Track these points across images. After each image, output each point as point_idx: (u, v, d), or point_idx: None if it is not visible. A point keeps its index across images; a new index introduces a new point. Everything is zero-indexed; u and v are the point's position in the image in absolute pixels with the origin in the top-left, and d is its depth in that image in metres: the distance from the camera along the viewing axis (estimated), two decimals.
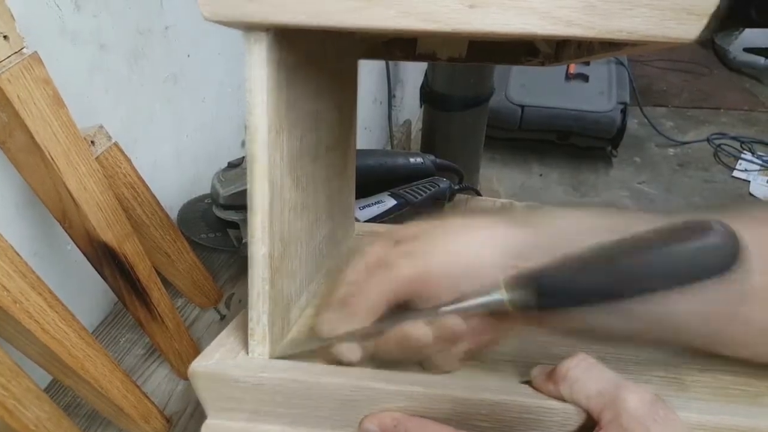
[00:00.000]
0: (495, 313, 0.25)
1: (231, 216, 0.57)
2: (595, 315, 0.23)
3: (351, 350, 0.27)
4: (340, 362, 0.27)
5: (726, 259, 0.21)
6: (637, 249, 0.22)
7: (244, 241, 0.56)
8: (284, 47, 0.24)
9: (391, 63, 1.37)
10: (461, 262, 0.26)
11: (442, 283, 0.26)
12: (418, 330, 0.25)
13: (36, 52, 0.36)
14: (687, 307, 0.22)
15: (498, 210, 0.28)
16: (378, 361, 0.27)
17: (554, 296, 0.23)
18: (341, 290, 0.28)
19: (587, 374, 0.23)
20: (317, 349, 0.27)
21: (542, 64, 0.41)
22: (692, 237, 0.21)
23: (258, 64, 0.23)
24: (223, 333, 0.30)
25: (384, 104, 1.43)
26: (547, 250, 0.24)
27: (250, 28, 0.22)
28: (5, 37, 0.34)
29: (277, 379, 0.26)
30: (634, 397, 0.22)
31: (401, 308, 0.27)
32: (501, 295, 0.24)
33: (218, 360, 0.27)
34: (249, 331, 0.27)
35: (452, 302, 0.25)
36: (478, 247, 0.26)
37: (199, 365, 0.27)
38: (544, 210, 0.27)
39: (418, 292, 0.26)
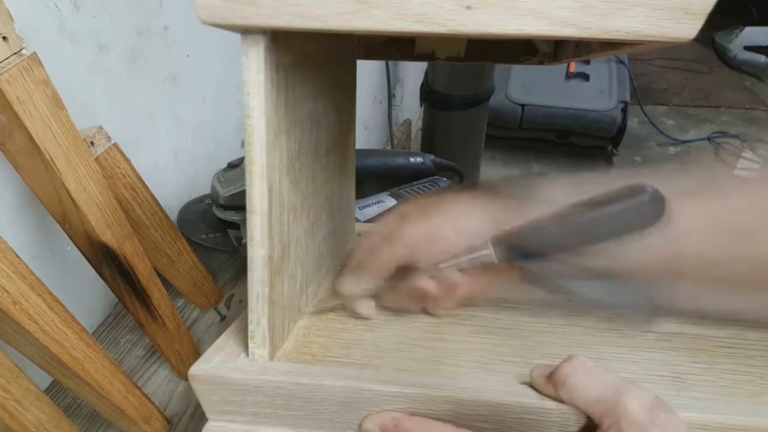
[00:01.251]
0: (485, 266, 0.30)
1: (231, 216, 0.57)
2: (558, 265, 0.29)
3: (367, 306, 0.33)
4: (358, 316, 0.33)
5: (653, 213, 0.27)
6: (586, 209, 0.28)
7: (244, 241, 0.56)
8: (281, 49, 0.24)
9: (390, 62, 1.37)
10: (455, 227, 0.31)
11: (440, 245, 0.31)
12: (424, 282, 0.31)
13: (35, 52, 0.36)
14: (630, 254, 0.27)
15: (485, 186, 0.33)
16: (390, 310, 0.33)
17: (528, 250, 0.29)
18: (357, 256, 0.33)
19: (586, 380, 0.24)
20: (338, 305, 0.33)
21: (541, 62, 0.41)
22: (628, 197, 0.27)
23: (255, 67, 0.23)
24: (223, 336, 0.30)
25: (384, 104, 1.43)
26: (524, 214, 0.29)
27: (246, 31, 0.22)
28: (4, 38, 0.34)
29: (278, 381, 0.26)
30: (634, 402, 0.22)
31: (406, 270, 0.32)
32: (489, 251, 0.30)
33: (218, 363, 0.27)
34: (249, 334, 0.27)
35: (449, 260, 0.31)
36: (469, 214, 0.32)
37: (198, 369, 0.27)
38: (522, 182, 0.33)
39: (421, 254, 0.31)
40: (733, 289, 0.29)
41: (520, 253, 0.29)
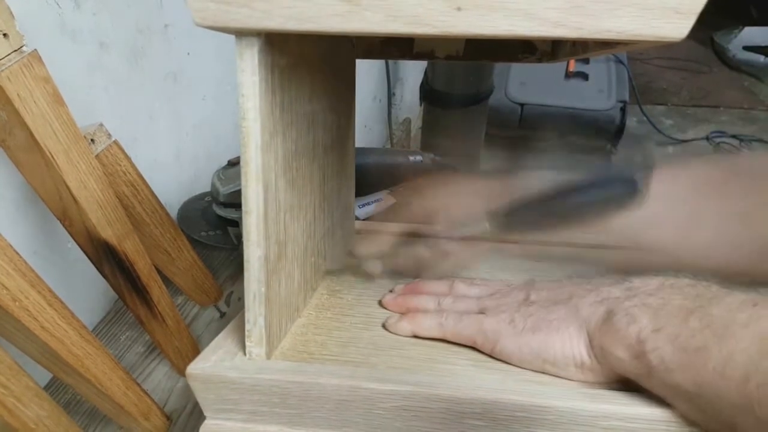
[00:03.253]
0: (479, 237, 0.34)
1: (231, 214, 0.57)
2: (542, 236, 0.33)
3: (375, 265, 0.38)
4: (369, 275, 0.38)
5: (627, 195, 0.30)
6: (567, 189, 0.31)
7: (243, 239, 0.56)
8: (276, 50, 0.24)
9: (390, 61, 1.37)
10: (455, 204, 0.36)
11: (440, 218, 0.36)
12: (422, 250, 0.37)
13: (36, 50, 0.36)
14: (603, 231, 0.31)
15: (482, 171, 0.39)
16: (393, 271, 0.39)
17: (516, 223, 0.33)
18: (368, 226, 0.40)
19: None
20: (352, 265, 0.39)
21: (540, 60, 0.41)
22: (606, 179, 0.30)
23: (250, 69, 0.23)
24: (221, 335, 0.30)
25: (383, 102, 1.43)
26: (514, 192, 0.33)
27: (240, 33, 0.22)
28: (5, 35, 0.34)
29: (275, 380, 0.26)
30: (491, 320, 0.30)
31: (411, 238, 0.37)
32: (484, 224, 0.34)
33: (215, 362, 0.27)
34: (246, 333, 0.28)
35: (449, 231, 0.35)
36: (467, 193, 0.37)
37: (196, 367, 0.27)
38: (517, 170, 0.37)
39: (424, 225, 0.36)
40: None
41: (508, 225, 0.33)
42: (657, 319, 0.24)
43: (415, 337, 0.32)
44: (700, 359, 0.22)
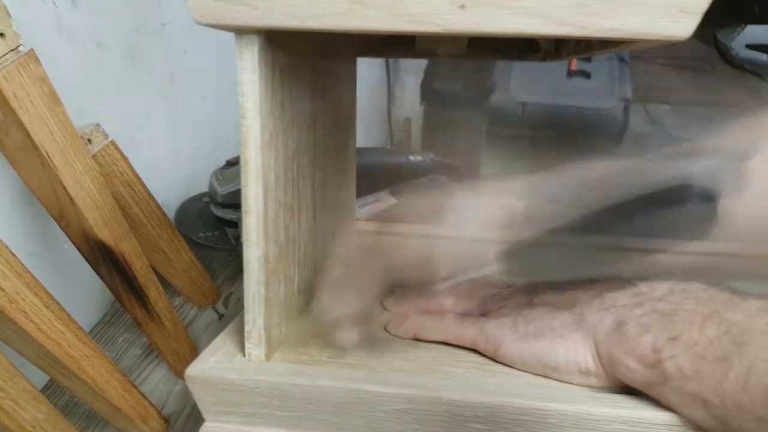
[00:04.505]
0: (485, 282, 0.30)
1: (229, 214, 0.57)
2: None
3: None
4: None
5: (704, 217, 0.22)
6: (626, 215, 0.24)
7: (242, 239, 0.56)
8: (277, 49, 0.24)
9: (391, 60, 1.37)
10: (461, 216, 0.31)
11: (441, 262, 0.31)
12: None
13: (32, 49, 0.35)
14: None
15: (488, 182, 0.32)
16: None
17: (531, 264, 0.27)
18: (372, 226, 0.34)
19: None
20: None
21: (543, 59, 0.41)
22: (674, 198, 0.23)
23: (250, 68, 0.23)
24: (220, 336, 0.30)
25: (384, 102, 1.43)
26: (532, 221, 0.28)
27: (240, 31, 0.22)
28: (1, 34, 0.34)
29: (274, 382, 0.26)
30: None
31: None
32: (492, 267, 0.29)
33: (214, 364, 0.27)
34: (245, 335, 0.27)
35: (452, 277, 0.31)
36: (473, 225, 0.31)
37: (195, 369, 0.27)
38: (522, 178, 0.30)
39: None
40: None
41: (525, 270, 0.27)
42: (671, 327, 0.24)
43: (417, 339, 0.31)
44: (720, 369, 0.21)
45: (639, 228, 0.24)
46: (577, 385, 0.27)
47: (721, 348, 0.22)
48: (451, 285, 0.33)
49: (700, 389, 0.22)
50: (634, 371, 0.24)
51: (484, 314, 0.31)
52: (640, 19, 0.19)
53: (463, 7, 0.20)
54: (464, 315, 0.31)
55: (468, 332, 0.30)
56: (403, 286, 0.36)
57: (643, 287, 0.27)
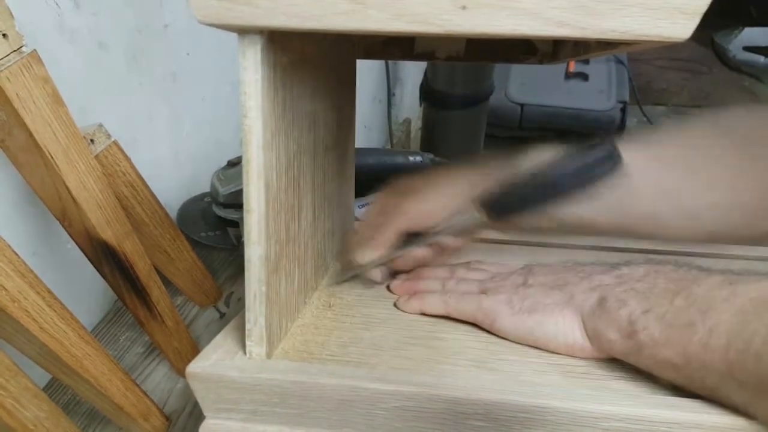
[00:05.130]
0: (475, 226, 0.34)
1: (230, 214, 0.57)
2: (533, 217, 0.31)
3: (376, 273, 0.37)
4: (371, 283, 0.38)
5: (609, 166, 0.29)
6: (552, 166, 0.30)
7: (243, 239, 0.56)
8: (279, 49, 0.24)
9: (390, 62, 1.37)
10: (443, 197, 0.36)
11: (432, 214, 0.35)
12: (419, 251, 0.37)
13: (35, 50, 0.36)
14: (592, 206, 0.30)
15: (467, 160, 0.38)
16: (396, 272, 0.39)
17: (505, 207, 0.32)
18: (363, 231, 0.38)
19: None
20: (352, 275, 0.38)
21: (540, 62, 0.41)
22: (586, 153, 0.29)
23: (252, 67, 0.23)
24: (221, 334, 0.30)
25: (383, 103, 1.43)
26: (499, 177, 0.32)
27: (243, 31, 0.22)
28: (4, 35, 0.34)
29: (275, 379, 0.26)
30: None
31: (408, 237, 0.36)
32: (473, 213, 0.33)
33: (216, 361, 0.27)
34: (246, 333, 0.27)
35: (442, 225, 0.35)
36: (453, 184, 0.36)
37: (196, 366, 0.27)
38: (503, 155, 0.35)
39: (417, 224, 0.36)
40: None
41: (499, 210, 0.32)
42: (646, 302, 0.27)
43: (422, 314, 0.34)
44: (686, 334, 0.25)
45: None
46: (564, 355, 0.30)
47: (687, 316, 0.25)
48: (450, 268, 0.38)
49: (671, 354, 0.25)
50: (614, 342, 0.28)
51: (483, 292, 0.34)
52: (640, 21, 0.20)
53: (464, 8, 0.20)
54: (465, 293, 0.34)
55: (468, 307, 0.33)
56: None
57: (625, 270, 0.31)
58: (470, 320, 0.33)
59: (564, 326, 0.30)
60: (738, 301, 0.24)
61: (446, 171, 0.39)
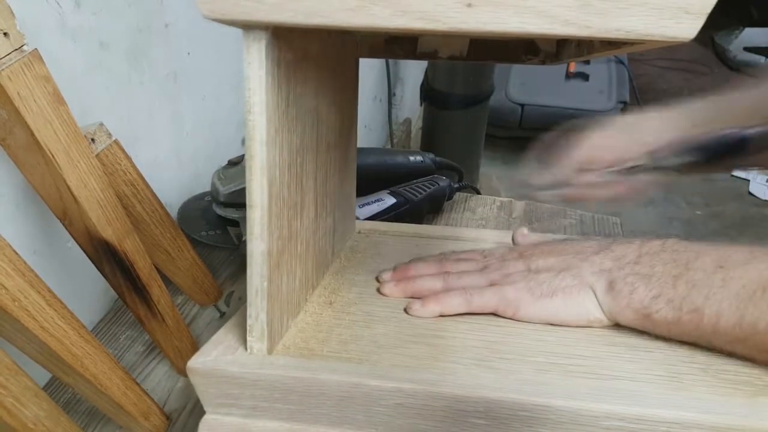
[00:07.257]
0: (677, 166, 0.40)
1: (231, 214, 0.57)
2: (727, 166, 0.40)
3: (550, 195, 0.43)
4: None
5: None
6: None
7: (244, 238, 0.56)
8: (283, 45, 0.24)
9: (391, 61, 1.37)
10: (625, 139, 0.42)
11: (614, 149, 0.42)
12: (594, 179, 0.43)
13: (36, 49, 0.36)
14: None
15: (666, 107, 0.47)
16: (566, 198, 0.44)
17: (712, 154, 0.40)
18: (547, 157, 0.44)
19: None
20: (527, 192, 0.45)
21: (543, 62, 0.41)
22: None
23: (257, 63, 0.23)
24: (221, 330, 0.30)
25: (384, 102, 1.43)
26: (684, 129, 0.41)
27: (248, 26, 0.22)
28: (5, 34, 0.34)
29: (275, 375, 0.26)
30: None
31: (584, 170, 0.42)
32: (646, 161, 0.40)
33: (216, 356, 0.27)
34: (247, 328, 0.27)
35: (616, 164, 0.41)
36: (639, 128, 0.43)
37: (197, 362, 0.27)
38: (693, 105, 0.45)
39: (599, 157, 0.43)
40: None
41: (708, 156, 0.39)
42: (651, 287, 0.30)
43: (441, 316, 0.34)
44: (695, 318, 0.29)
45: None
46: (585, 327, 0.33)
47: (692, 303, 0.29)
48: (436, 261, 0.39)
49: (682, 333, 0.30)
50: (631, 320, 0.31)
51: (492, 284, 0.35)
52: (645, 20, 0.20)
53: (469, 5, 0.20)
54: (477, 287, 0.35)
55: (491, 300, 0.34)
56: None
57: (617, 251, 0.33)
58: (491, 312, 0.34)
59: (584, 306, 0.33)
60: (734, 287, 0.28)
61: (631, 116, 0.45)
